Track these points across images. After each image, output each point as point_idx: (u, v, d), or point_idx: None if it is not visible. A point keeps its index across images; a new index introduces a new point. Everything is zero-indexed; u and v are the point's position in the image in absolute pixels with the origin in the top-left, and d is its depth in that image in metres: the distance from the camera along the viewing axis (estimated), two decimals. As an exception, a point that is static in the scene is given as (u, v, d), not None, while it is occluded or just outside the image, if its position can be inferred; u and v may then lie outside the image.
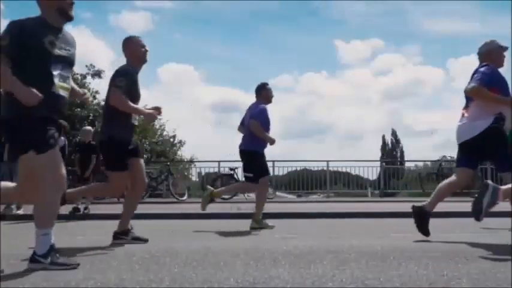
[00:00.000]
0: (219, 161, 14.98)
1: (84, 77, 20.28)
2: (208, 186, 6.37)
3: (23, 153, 2.89)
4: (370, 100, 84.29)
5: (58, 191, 2.95)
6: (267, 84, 5.94)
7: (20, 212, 7.91)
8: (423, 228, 4.32)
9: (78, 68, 20.49)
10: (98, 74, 20.63)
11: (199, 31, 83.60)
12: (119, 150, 4.11)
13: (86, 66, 20.42)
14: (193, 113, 65.07)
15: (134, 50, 4.25)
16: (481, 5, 79.57)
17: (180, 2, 75.29)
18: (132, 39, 4.31)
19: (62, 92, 3.03)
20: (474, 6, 79.03)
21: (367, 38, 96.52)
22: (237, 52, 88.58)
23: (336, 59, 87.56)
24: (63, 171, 2.97)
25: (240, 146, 5.92)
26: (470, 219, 5.94)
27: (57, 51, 3.00)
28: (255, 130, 5.67)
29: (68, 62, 3.09)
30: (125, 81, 4.03)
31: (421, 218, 4.33)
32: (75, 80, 19.20)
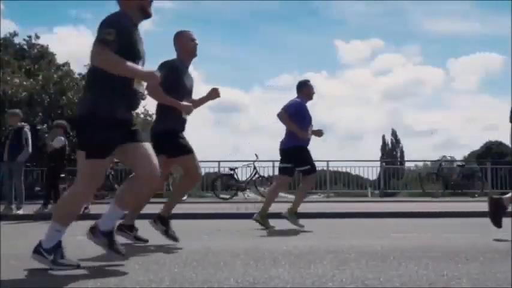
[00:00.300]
0: (219, 161, 14.99)
1: (83, 77, 20.27)
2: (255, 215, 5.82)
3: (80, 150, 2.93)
4: (370, 100, 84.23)
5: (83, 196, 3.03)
6: (308, 81, 5.92)
7: (20, 212, 7.92)
8: (495, 220, 4.49)
9: (77, 68, 20.51)
10: None
11: (199, 31, 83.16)
12: (175, 138, 4.14)
13: (84, 65, 20.38)
14: (193, 113, 64.89)
15: (185, 44, 4.24)
16: (481, 5, 79.54)
17: (180, 2, 75.36)
18: (183, 33, 4.29)
19: (140, 89, 3.07)
20: (474, 6, 79.03)
21: (367, 38, 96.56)
22: (237, 52, 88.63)
23: (336, 59, 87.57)
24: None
25: (281, 145, 5.82)
26: (470, 219, 5.96)
27: (140, 48, 3.04)
28: (281, 120, 5.63)
29: (144, 59, 3.11)
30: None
31: (496, 209, 4.51)
32: (74, 80, 19.22)
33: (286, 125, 5.64)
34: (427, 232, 5.18)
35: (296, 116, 5.62)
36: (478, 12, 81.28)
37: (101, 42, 2.77)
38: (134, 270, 2.86)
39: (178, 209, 9.82)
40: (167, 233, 4.17)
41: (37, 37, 20.35)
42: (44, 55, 19.85)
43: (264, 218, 5.60)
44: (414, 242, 4.22)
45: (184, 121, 4.30)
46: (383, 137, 55.90)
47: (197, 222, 6.66)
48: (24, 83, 16.51)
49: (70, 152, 9.53)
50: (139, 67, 2.94)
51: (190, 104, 4.26)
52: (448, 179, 14.56)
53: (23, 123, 8.37)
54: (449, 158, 16.80)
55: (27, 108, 15.40)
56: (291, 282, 2.46)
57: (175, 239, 4.15)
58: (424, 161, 20.42)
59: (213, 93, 4.50)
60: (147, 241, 4.24)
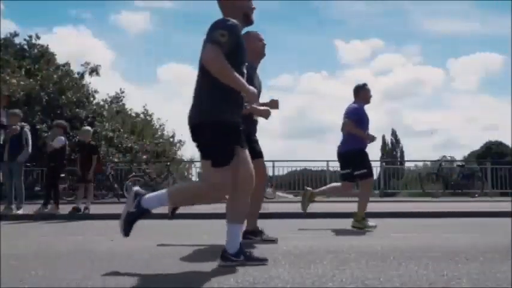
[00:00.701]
0: (219, 161, 14.95)
1: (82, 75, 20.25)
2: (307, 188, 6.12)
3: (205, 159, 2.90)
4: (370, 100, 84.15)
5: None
6: (365, 84, 5.96)
7: (20, 212, 7.92)
8: None
9: (76, 68, 20.48)
10: (94, 70, 20.53)
11: (199, 31, 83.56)
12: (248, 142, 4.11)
13: (82, 65, 20.35)
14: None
15: (253, 45, 4.13)
16: (481, 5, 79.55)
17: (180, 2, 75.28)
18: (251, 33, 4.20)
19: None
20: (474, 6, 79.02)
21: (367, 38, 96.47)
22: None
23: (335, 59, 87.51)
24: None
25: (339, 149, 5.87)
26: (470, 219, 5.96)
27: (244, 53, 3.03)
28: (349, 129, 5.70)
29: (245, 63, 3.11)
30: None
31: None
32: (74, 79, 19.21)
33: (352, 132, 5.69)
34: (427, 232, 5.18)
35: (360, 121, 5.73)
36: (478, 12, 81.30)
37: (214, 43, 2.76)
38: (134, 270, 2.86)
39: (178, 209, 9.82)
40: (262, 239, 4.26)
41: (37, 37, 20.37)
42: (44, 55, 19.86)
43: (360, 221, 5.59)
44: (414, 242, 4.22)
45: (256, 123, 4.29)
46: (383, 137, 55.81)
47: (197, 222, 6.66)
48: (22, 82, 16.50)
49: (70, 152, 9.54)
50: (243, 81, 2.88)
51: (268, 109, 4.17)
52: (448, 179, 14.56)
53: (23, 124, 8.37)
54: (449, 158, 16.73)
55: (25, 108, 15.40)
56: (291, 282, 2.46)
57: (273, 240, 4.21)
58: (424, 161, 20.45)
59: (273, 104, 4.37)
60: (276, 240, 4.23)
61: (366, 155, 5.80)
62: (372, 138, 5.79)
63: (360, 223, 5.56)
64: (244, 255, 2.95)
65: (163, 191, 3.03)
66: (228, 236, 2.96)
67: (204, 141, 2.90)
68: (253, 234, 4.25)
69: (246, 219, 3.06)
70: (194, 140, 2.94)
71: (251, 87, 2.93)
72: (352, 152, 5.69)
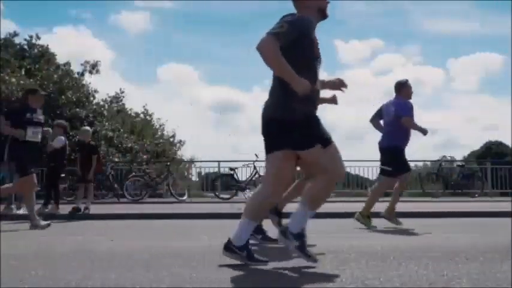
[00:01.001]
0: (219, 161, 14.99)
1: (82, 74, 20.24)
2: (357, 213, 5.87)
3: (310, 147, 2.91)
4: (370, 100, 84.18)
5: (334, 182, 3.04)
6: (407, 80, 6.03)
7: (20, 212, 7.91)
8: None
9: (76, 68, 20.47)
10: (94, 66, 20.48)
11: (199, 31, 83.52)
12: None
13: (81, 64, 20.32)
14: (193, 113, 65.07)
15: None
16: (481, 5, 79.58)
17: (180, 2, 75.16)
18: None
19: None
20: (474, 6, 79.04)
21: (367, 38, 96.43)
22: (237, 52, 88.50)
23: (335, 59, 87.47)
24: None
25: (382, 143, 5.99)
26: (470, 219, 5.96)
27: (315, 50, 3.03)
28: (409, 126, 5.83)
29: (320, 60, 3.10)
30: None
31: None
32: (74, 79, 19.21)
33: (413, 128, 5.87)
34: (427, 232, 5.18)
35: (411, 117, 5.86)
36: (478, 12, 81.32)
37: (270, 33, 2.79)
38: (134, 270, 2.86)
39: (178, 209, 9.85)
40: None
41: (38, 37, 20.39)
42: (44, 55, 19.88)
43: (365, 217, 5.68)
44: (414, 242, 4.22)
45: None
46: (383, 137, 55.84)
47: (197, 222, 6.66)
48: (22, 81, 16.51)
49: (70, 152, 9.54)
50: (293, 73, 2.81)
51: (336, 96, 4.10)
52: (448, 179, 14.56)
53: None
54: (449, 158, 16.79)
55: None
56: (291, 282, 2.46)
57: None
58: (424, 161, 20.42)
59: (334, 100, 4.18)
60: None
61: (403, 153, 5.93)
62: (425, 132, 5.96)
63: (364, 219, 5.66)
64: (248, 252, 2.95)
65: (298, 210, 2.99)
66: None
67: (302, 131, 2.91)
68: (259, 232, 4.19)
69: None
70: (278, 133, 2.94)
71: (302, 79, 2.83)
72: (392, 148, 5.84)
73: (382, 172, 6.02)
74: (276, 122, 2.94)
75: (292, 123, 2.89)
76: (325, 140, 2.94)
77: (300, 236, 2.91)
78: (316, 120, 3.01)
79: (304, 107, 2.92)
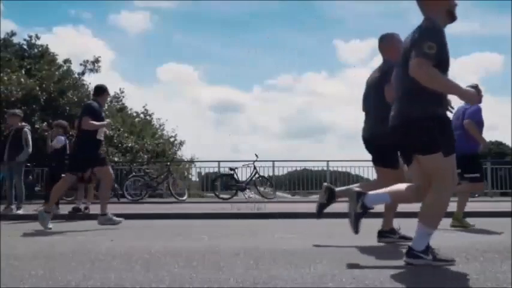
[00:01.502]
0: (219, 161, 15.00)
1: (82, 74, 20.19)
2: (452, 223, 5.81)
3: (431, 153, 2.92)
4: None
5: (451, 194, 3.03)
6: (477, 85, 5.94)
7: (20, 212, 7.91)
8: None
9: (76, 68, 20.43)
10: (95, 63, 20.35)
11: (199, 31, 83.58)
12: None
13: (81, 64, 20.24)
14: (193, 113, 65.08)
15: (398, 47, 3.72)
16: (481, 5, 79.66)
17: (180, 2, 75.32)
18: (394, 36, 4.10)
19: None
20: (474, 6, 79.08)
21: (367, 38, 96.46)
22: (237, 52, 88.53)
23: (335, 59, 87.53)
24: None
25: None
26: (470, 219, 5.95)
27: (449, 58, 3.01)
28: (470, 129, 5.76)
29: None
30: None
31: None
32: (74, 79, 19.18)
33: (473, 133, 5.78)
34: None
35: (478, 124, 5.83)
36: (478, 12, 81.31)
37: (423, 57, 2.79)
38: (134, 270, 2.86)
39: (178, 209, 9.84)
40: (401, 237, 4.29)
41: (37, 37, 20.37)
42: (44, 55, 19.86)
43: (460, 220, 5.70)
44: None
45: None
46: (383, 137, 55.84)
47: (197, 222, 6.66)
48: (22, 79, 16.49)
49: (70, 152, 9.52)
50: (457, 85, 2.89)
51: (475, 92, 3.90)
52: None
53: (23, 124, 8.37)
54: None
55: (25, 107, 15.41)
56: (291, 282, 2.46)
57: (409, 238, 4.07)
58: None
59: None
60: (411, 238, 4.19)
61: (479, 157, 5.94)
62: (485, 144, 5.94)
63: (460, 221, 5.69)
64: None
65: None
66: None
67: (429, 135, 2.92)
68: (392, 233, 4.30)
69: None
70: (405, 136, 3.02)
71: (468, 89, 2.97)
72: (469, 155, 5.69)
73: (471, 180, 5.84)
74: (416, 124, 2.93)
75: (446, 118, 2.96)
76: (450, 148, 2.96)
77: (427, 251, 2.93)
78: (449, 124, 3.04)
79: (441, 110, 2.97)
